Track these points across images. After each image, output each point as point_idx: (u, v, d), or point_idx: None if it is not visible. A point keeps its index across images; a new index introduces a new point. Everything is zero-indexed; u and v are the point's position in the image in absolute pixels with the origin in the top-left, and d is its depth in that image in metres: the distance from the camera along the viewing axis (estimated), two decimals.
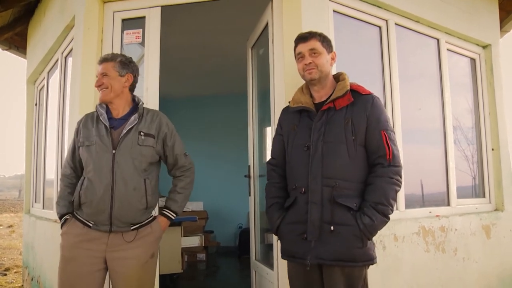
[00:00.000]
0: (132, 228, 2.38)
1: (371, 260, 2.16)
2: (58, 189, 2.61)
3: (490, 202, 4.23)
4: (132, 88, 2.56)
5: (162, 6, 3.27)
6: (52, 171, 4.24)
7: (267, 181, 2.53)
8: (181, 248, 4.82)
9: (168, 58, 3.74)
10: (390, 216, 2.13)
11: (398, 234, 3.24)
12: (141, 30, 3.29)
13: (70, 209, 2.46)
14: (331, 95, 2.29)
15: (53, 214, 3.77)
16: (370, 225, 2.08)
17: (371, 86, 2.49)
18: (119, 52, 3.08)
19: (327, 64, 2.34)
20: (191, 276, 5.99)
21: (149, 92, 3.19)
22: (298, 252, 2.22)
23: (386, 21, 3.58)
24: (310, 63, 2.30)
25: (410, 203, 3.56)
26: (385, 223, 2.13)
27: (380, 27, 3.58)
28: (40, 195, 4.83)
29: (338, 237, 2.12)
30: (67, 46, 4.01)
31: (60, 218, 2.48)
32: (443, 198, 3.89)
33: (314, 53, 2.31)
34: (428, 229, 3.46)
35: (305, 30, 2.95)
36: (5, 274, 6.55)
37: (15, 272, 6.66)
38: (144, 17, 3.29)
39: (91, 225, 2.36)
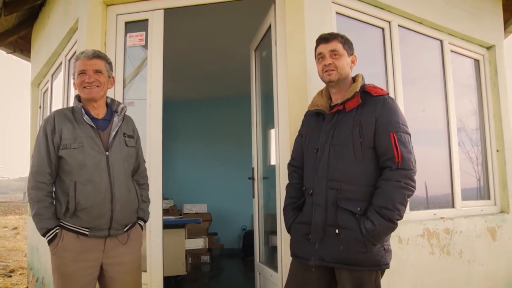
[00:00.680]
0: (125, 229, 2.38)
1: (377, 265, 2.10)
2: (33, 200, 2.26)
3: (495, 204, 4.20)
4: None
5: (165, 9, 3.27)
6: None
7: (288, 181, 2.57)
8: (185, 250, 4.82)
9: (171, 61, 3.73)
10: (398, 221, 2.06)
11: (402, 236, 3.23)
12: (144, 33, 3.30)
13: (57, 221, 2.25)
14: None
15: None
16: (372, 230, 2.03)
17: None
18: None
19: (347, 67, 2.31)
20: (195, 278, 5.99)
21: (152, 95, 3.19)
22: (302, 252, 2.25)
23: (389, 22, 3.57)
24: (330, 64, 2.28)
25: (415, 205, 3.54)
26: (390, 228, 2.07)
27: (383, 29, 3.57)
28: None
29: (341, 240, 2.11)
30: (70, 49, 4.03)
31: (46, 233, 2.23)
32: (448, 200, 3.87)
33: (335, 55, 2.28)
34: (433, 231, 3.44)
35: (308, 31, 2.98)
36: (10, 276, 6.58)
37: (20, 274, 6.69)
38: (147, 20, 3.29)
39: (87, 233, 2.25)
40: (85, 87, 2.32)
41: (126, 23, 3.36)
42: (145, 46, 3.31)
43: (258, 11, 3.51)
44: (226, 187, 7.98)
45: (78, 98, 2.40)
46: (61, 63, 4.38)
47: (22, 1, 4.66)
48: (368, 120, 2.16)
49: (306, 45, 2.93)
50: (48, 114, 4.94)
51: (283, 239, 2.95)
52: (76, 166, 2.25)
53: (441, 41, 3.99)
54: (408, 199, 2.11)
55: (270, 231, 3.64)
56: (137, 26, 3.34)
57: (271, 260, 3.50)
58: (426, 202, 3.78)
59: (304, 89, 2.92)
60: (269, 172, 3.63)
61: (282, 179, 2.97)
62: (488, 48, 4.38)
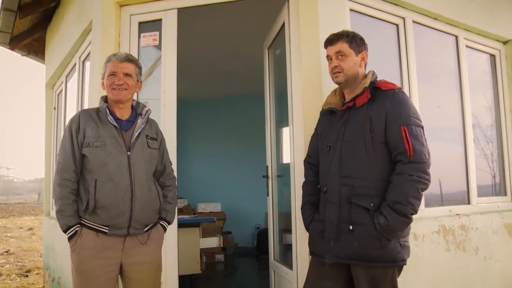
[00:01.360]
0: (145, 229, 2.40)
1: (393, 261, 2.08)
2: (58, 197, 2.33)
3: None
4: None
5: (178, 9, 3.28)
6: None
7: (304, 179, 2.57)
8: (199, 249, 4.83)
9: (184, 61, 3.74)
10: (413, 215, 2.04)
11: (418, 233, 3.21)
12: (157, 32, 3.30)
13: (78, 219, 2.30)
14: None
15: None
16: (385, 225, 2.02)
17: None
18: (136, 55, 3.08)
19: (355, 66, 2.29)
20: (209, 277, 6.03)
21: (166, 95, 3.20)
22: (318, 249, 2.27)
23: (404, 19, 3.55)
24: (336, 66, 2.28)
25: (430, 202, 3.52)
26: (405, 223, 2.05)
27: (397, 25, 3.54)
28: None
29: (356, 237, 2.11)
30: (84, 50, 4.06)
31: (67, 230, 2.30)
32: (463, 196, 3.84)
33: (341, 56, 2.28)
34: (449, 228, 3.42)
35: (321, 29, 2.97)
36: (27, 276, 6.67)
37: (36, 274, 6.78)
38: (160, 20, 3.30)
39: (106, 231, 2.28)
40: (114, 89, 2.37)
41: (140, 23, 3.37)
42: (159, 46, 3.32)
43: (271, 9, 3.52)
44: (240, 185, 8.01)
45: (104, 98, 2.45)
46: (75, 65, 4.41)
47: (36, 3, 4.70)
48: (378, 115, 2.15)
49: (320, 43, 2.89)
50: (62, 115, 4.99)
51: (299, 237, 2.95)
52: (97, 164, 2.29)
53: (456, 37, 3.95)
54: (423, 193, 2.08)
55: (285, 229, 3.64)
56: (150, 26, 3.34)
57: (286, 258, 3.51)
58: (441, 199, 3.75)
59: (319, 87, 2.92)
60: (283, 170, 3.63)
61: (297, 177, 2.97)
62: (505, 42, 4.33)
